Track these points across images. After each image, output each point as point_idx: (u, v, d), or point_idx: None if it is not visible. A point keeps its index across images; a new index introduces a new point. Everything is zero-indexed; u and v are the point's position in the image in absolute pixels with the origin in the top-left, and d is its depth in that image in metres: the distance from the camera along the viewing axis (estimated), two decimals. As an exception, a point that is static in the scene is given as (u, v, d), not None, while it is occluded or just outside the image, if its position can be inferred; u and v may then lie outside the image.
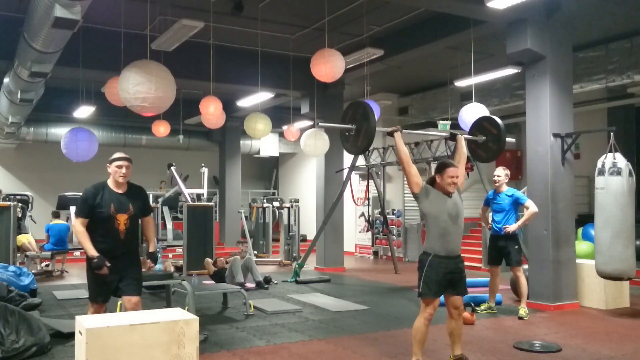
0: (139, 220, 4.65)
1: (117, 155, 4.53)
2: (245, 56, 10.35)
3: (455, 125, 10.02)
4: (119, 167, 4.45)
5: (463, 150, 4.74)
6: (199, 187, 12.57)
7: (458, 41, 9.14)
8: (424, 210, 4.38)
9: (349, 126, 4.55)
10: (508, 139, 5.52)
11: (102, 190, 4.43)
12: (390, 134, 4.60)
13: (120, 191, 4.47)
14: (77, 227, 4.35)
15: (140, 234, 5.24)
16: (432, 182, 4.44)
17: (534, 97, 7.45)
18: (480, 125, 5.39)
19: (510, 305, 7.23)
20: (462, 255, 4.42)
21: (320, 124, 4.92)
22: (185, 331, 3.64)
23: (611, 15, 8.88)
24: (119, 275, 4.41)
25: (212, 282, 8.85)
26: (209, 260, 9.53)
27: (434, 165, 9.47)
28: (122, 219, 4.38)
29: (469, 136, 5.31)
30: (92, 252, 4.28)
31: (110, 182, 4.49)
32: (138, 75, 5.87)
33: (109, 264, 4.27)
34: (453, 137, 4.71)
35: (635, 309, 7.18)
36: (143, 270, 4.79)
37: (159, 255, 4.66)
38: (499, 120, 5.28)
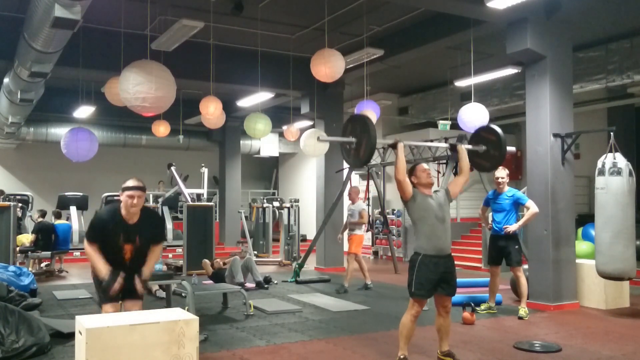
0: (148, 248, 4.44)
1: (129, 183, 4.25)
2: (245, 56, 10.35)
3: (455, 125, 10.02)
4: (130, 197, 4.18)
5: (465, 159, 4.73)
6: (199, 187, 12.56)
7: (458, 41, 9.15)
8: (413, 215, 4.60)
9: (349, 139, 4.56)
10: (508, 148, 5.46)
11: (114, 218, 4.23)
12: (393, 146, 4.64)
13: (130, 222, 4.25)
14: (87, 249, 4.23)
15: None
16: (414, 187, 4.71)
17: (534, 97, 7.45)
18: (478, 135, 5.36)
19: (510, 305, 7.23)
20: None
21: (320, 137, 4.92)
22: (185, 331, 3.65)
23: (611, 15, 8.87)
24: (121, 295, 4.30)
25: (212, 282, 8.85)
26: (207, 261, 9.55)
27: (433, 165, 9.54)
28: (128, 249, 4.25)
29: (469, 146, 5.29)
30: (103, 273, 4.14)
31: (122, 209, 4.24)
32: (138, 75, 5.87)
33: (119, 282, 4.14)
34: (453, 148, 4.73)
35: (635, 309, 7.18)
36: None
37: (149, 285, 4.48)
38: (496, 127, 5.25)
